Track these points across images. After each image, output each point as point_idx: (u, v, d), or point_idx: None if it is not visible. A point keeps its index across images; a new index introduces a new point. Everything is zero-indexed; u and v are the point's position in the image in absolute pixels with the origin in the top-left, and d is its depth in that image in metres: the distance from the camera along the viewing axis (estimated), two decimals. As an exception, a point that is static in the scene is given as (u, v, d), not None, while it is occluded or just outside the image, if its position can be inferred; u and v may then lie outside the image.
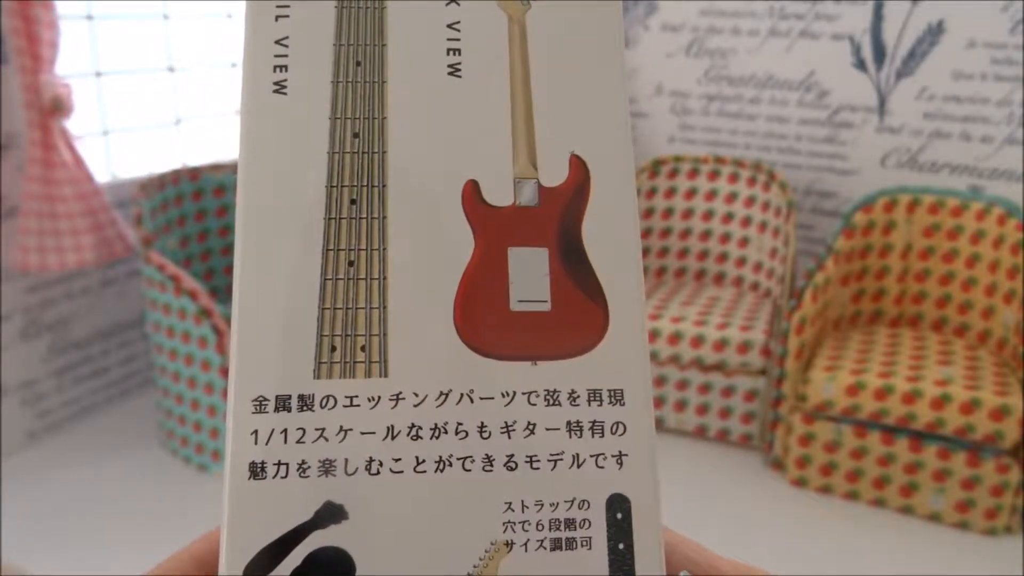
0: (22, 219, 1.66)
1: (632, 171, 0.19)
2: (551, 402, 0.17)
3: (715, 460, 1.81)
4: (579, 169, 0.19)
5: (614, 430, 0.17)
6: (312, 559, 0.16)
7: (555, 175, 0.18)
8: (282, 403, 0.16)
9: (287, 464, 0.16)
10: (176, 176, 1.83)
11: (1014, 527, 1.54)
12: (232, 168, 1.93)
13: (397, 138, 0.18)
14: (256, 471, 0.16)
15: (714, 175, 2.07)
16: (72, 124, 1.69)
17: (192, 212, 1.88)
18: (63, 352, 1.84)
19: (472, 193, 0.18)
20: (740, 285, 2.07)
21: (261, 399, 0.16)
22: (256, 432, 0.16)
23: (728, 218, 2.06)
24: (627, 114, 0.20)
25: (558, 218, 0.18)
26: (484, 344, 0.17)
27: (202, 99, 2.17)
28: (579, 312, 0.18)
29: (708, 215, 2.09)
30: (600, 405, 0.18)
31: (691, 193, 2.10)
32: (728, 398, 1.82)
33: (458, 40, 0.19)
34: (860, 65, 1.97)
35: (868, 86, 1.98)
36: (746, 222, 2.04)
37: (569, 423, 0.17)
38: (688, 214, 2.10)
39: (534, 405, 0.17)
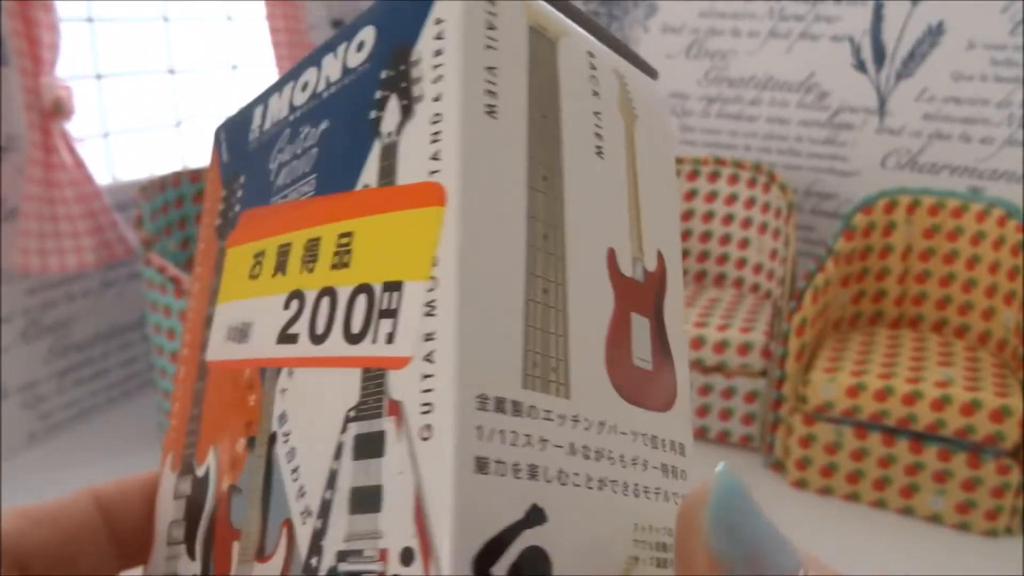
0: (23, 221, 1.66)
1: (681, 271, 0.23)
2: (654, 446, 0.20)
3: (715, 462, 1.78)
4: (662, 262, 0.22)
5: (681, 476, 0.21)
6: (524, 557, 0.16)
7: (649, 262, 0.22)
8: (499, 405, 0.17)
9: (504, 463, 0.16)
10: (177, 178, 1.84)
11: (1014, 528, 1.54)
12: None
13: (569, 190, 0.20)
14: (482, 465, 0.16)
15: (714, 176, 2.07)
16: (73, 126, 1.70)
17: (193, 214, 1.88)
18: (64, 354, 1.84)
19: (613, 259, 0.21)
20: (740, 287, 2.07)
21: (484, 396, 0.16)
22: (480, 428, 0.16)
23: (728, 219, 2.06)
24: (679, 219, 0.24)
25: (654, 296, 0.22)
26: (620, 387, 0.20)
27: (202, 101, 2.17)
28: (666, 376, 0.21)
29: (708, 216, 2.09)
30: (675, 454, 0.21)
31: (691, 195, 2.10)
32: (728, 400, 1.82)
33: (600, 128, 0.21)
34: (860, 66, 1.97)
35: (868, 87, 1.98)
36: (746, 223, 2.04)
37: (663, 465, 0.21)
38: (688, 216, 2.10)
39: (646, 446, 0.20)
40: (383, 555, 0.16)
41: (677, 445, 0.21)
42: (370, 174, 0.19)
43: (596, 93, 0.21)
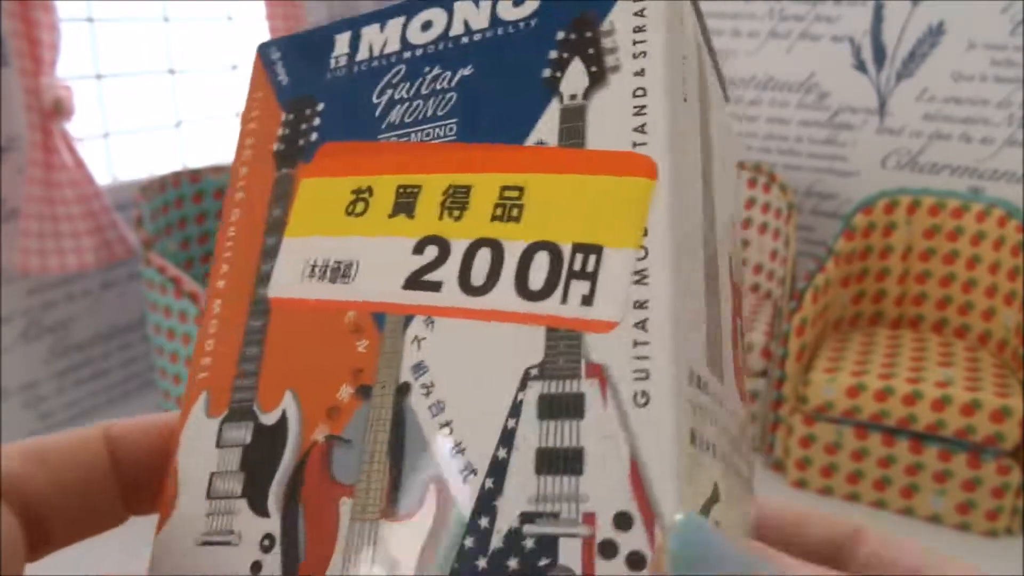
0: (23, 221, 1.66)
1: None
2: (743, 436, 0.22)
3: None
4: (741, 276, 0.24)
5: (753, 469, 0.23)
6: None
7: (739, 273, 0.23)
8: (698, 381, 0.17)
9: (703, 438, 0.17)
10: (176, 178, 1.84)
11: (1014, 528, 1.54)
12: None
13: (715, 189, 0.21)
14: (694, 438, 0.16)
15: (714, 177, 2.07)
16: (73, 126, 1.70)
17: (193, 214, 1.88)
18: (64, 354, 1.84)
19: (730, 263, 0.22)
20: (740, 287, 2.07)
21: (692, 371, 0.17)
22: (691, 401, 0.16)
23: (728, 220, 2.06)
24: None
25: (740, 304, 0.24)
26: (736, 379, 0.21)
27: (202, 101, 2.17)
28: (745, 376, 0.23)
29: (708, 217, 2.09)
30: (752, 451, 0.24)
31: (691, 195, 2.10)
32: (728, 400, 1.82)
33: (723, 136, 0.23)
34: (860, 67, 1.97)
35: (868, 87, 1.98)
36: (746, 224, 2.04)
37: (747, 460, 0.22)
38: (688, 216, 2.11)
39: (742, 435, 0.22)
40: (590, 519, 0.16)
41: (753, 439, 0.23)
42: (546, 131, 0.19)
43: (718, 104, 0.22)
